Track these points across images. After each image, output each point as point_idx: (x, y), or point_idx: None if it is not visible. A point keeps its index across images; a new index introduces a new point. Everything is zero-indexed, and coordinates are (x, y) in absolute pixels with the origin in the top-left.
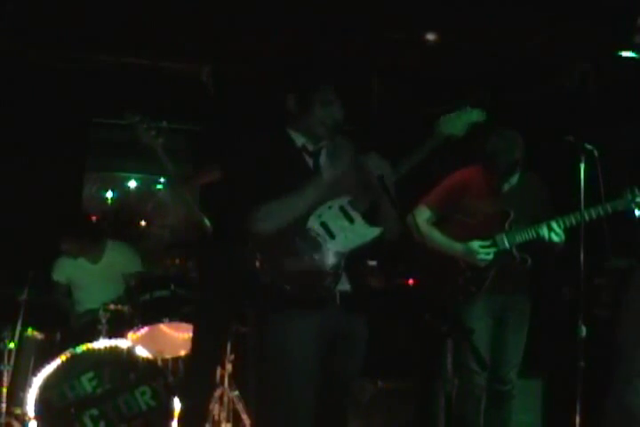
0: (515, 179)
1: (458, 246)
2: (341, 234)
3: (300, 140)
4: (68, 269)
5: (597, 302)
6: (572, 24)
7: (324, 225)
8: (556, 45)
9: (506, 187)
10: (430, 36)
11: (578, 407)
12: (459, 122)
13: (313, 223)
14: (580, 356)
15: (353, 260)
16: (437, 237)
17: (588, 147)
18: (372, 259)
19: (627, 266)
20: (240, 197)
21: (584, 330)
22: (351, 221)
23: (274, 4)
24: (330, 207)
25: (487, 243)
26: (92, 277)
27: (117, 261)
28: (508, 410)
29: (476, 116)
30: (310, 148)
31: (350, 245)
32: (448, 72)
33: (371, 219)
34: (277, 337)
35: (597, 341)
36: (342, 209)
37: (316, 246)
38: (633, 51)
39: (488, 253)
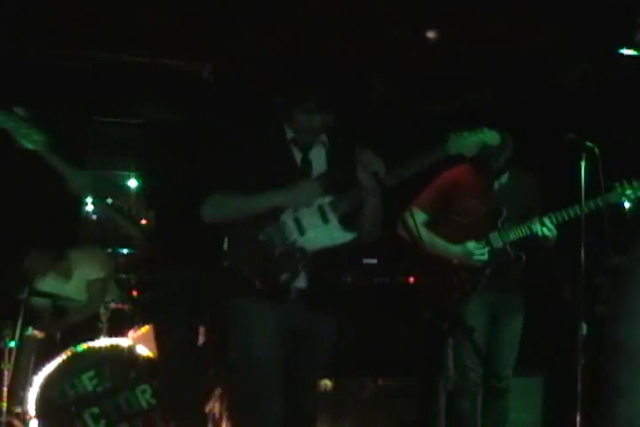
0: (504, 178)
1: (453, 248)
2: (311, 232)
3: (289, 133)
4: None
5: (598, 300)
6: (573, 23)
7: (296, 221)
8: (556, 44)
9: (496, 185)
10: (431, 34)
11: (578, 406)
12: (471, 142)
13: (286, 217)
14: (581, 354)
15: (318, 260)
16: (432, 239)
17: (589, 145)
18: (373, 257)
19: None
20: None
21: (584, 328)
22: (326, 221)
23: (274, 2)
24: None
25: (481, 244)
26: (74, 294)
27: (87, 270)
28: (504, 406)
29: (490, 138)
30: (299, 141)
31: (317, 244)
32: (449, 71)
33: (348, 224)
34: (237, 322)
35: (597, 339)
36: (320, 208)
37: (283, 239)
38: (634, 49)
39: (483, 254)
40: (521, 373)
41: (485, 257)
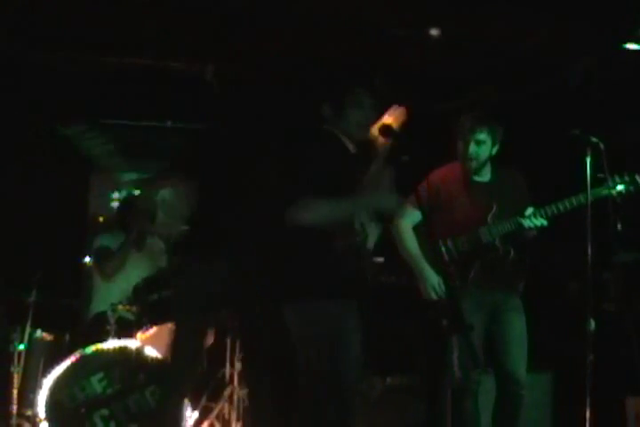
0: (487, 173)
1: (420, 269)
2: (371, 233)
3: (348, 143)
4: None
5: (605, 296)
6: (576, 18)
7: (362, 226)
8: (559, 40)
9: (478, 179)
10: (434, 32)
11: (587, 402)
12: None
13: (357, 224)
14: (589, 350)
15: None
16: (411, 247)
17: (594, 140)
18: (380, 255)
19: (634, 260)
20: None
21: (593, 324)
22: (371, 220)
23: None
24: None
25: (443, 287)
26: (133, 264)
27: (155, 252)
28: (519, 410)
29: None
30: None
31: (373, 242)
32: (451, 70)
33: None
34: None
35: (606, 335)
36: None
37: (364, 245)
38: (638, 43)
39: (442, 291)
40: (530, 369)
41: (441, 295)
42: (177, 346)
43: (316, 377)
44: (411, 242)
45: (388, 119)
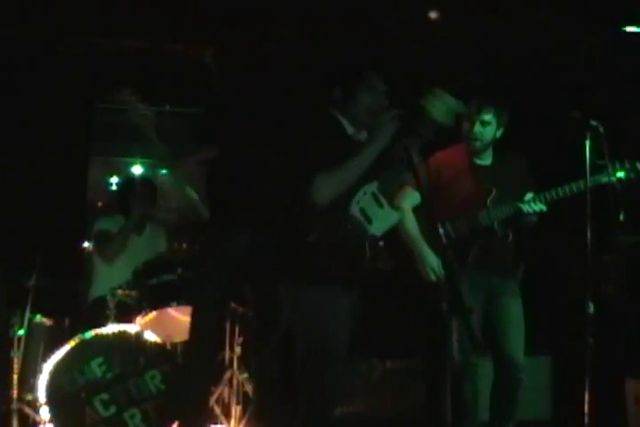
0: (489, 156)
1: (419, 251)
2: (376, 219)
3: (349, 128)
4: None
5: (605, 278)
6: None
7: (362, 211)
8: (559, 23)
9: (479, 162)
10: (433, 15)
11: (587, 384)
12: (445, 108)
13: (354, 210)
14: (588, 333)
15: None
16: (411, 229)
17: (594, 123)
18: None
19: (633, 243)
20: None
21: (592, 307)
22: (381, 206)
23: None
24: (365, 193)
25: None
26: (133, 247)
27: (155, 236)
28: (517, 395)
29: (458, 105)
30: (357, 137)
31: (382, 229)
32: (451, 54)
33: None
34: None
35: (605, 318)
36: (374, 195)
37: (362, 232)
38: (638, 26)
39: (440, 272)
40: (529, 352)
41: (441, 276)
42: (196, 329)
43: (301, 361)
44: (410, 224)
45: (430, 105)
